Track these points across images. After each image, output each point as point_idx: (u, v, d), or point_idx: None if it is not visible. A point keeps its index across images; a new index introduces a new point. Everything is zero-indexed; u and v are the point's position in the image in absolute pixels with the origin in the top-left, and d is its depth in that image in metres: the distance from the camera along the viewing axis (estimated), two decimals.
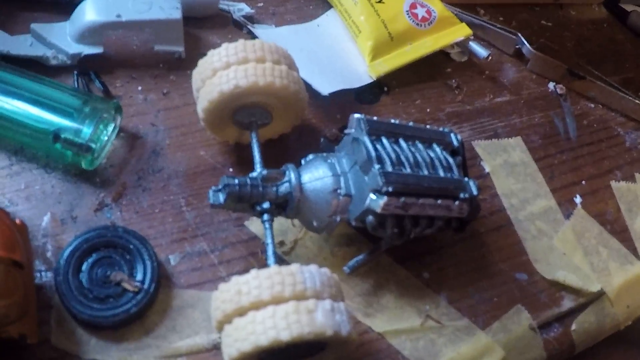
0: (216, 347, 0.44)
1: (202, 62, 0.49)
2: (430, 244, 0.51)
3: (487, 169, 0.57)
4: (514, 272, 0.52)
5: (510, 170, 0.57)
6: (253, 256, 0.48)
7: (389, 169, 0.44)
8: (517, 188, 0.56)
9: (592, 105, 0.65)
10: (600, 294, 0.52)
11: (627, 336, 0.56)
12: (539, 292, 0.51)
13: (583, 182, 0.59)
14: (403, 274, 0.49)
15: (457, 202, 0.45)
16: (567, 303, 0.51)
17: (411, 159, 0.45)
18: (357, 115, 0.46)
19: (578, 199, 0.57)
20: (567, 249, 0.54)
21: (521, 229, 0.54)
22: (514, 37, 0.66)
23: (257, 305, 0.38)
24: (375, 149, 0.44)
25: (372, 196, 0.43)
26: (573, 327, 0.51)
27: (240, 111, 0.48)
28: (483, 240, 0.53)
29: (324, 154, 0.47)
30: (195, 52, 0.57)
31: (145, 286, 0.44)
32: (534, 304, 0.50)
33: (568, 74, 0.65)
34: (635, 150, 0.63)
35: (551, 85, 0.66)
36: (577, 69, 0.65)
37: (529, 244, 0.53)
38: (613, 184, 0.59)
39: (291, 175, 0.45)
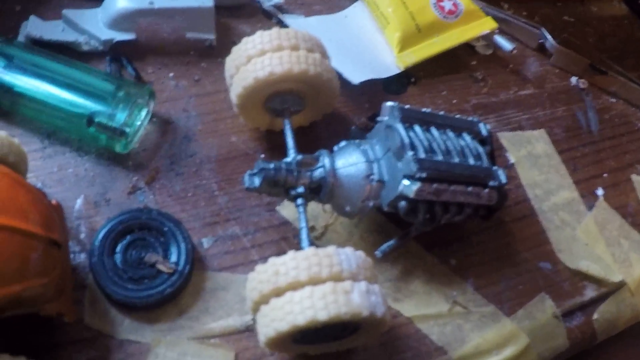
0: (248, 329, 0.45)
1: (236, 49, 0.49)
2: (457, 231, 0.52)
3: (512, 160, 0.57)
4: (538, 261, 0.52)
5: (534, 161, 0.58)
6: (285, 240, 0.49)
7: (422, 155, 0.44)
8: (541, 179, 0.57)
9: (614, 100, 0.66)
10: (622, 285, 0.53)
11: None
12: (562, 281, 0.52)
13: (605, 175, 0.59)
14: (431, 261, 0.50)
15: (486, 190, 0.46)
16: (590, 292, 0.52)
17: (443, 147, 0.46)
18: (390, 103, 0.47)
19: (600, 191, 0.58)
20: (589, 240, 0.54)
21: (545, 219, 0.55)
22: (537, 31, 0.66)
23: (295, 286, 0.38)
24: (409, 136, 0.45)
25: (406, 182, 0.43)
26: (595, 316, 0.51)
27: (274, 98, 0.49)
28: (508, 229, 0.53)
29: (357, 141, 0.47)
30: (226, 40, 0.57)
31: (180, 268, 0.45)
32: (557, 292, 0.51)
33: (590, 69, 0.65)
34: None
35: (574, 79, 0.66)
36: (599, 64, 0.66)
37: (552, 234, 0.54)
38: (634, 177, 0.60)
39: (325, 160, 0.45)
